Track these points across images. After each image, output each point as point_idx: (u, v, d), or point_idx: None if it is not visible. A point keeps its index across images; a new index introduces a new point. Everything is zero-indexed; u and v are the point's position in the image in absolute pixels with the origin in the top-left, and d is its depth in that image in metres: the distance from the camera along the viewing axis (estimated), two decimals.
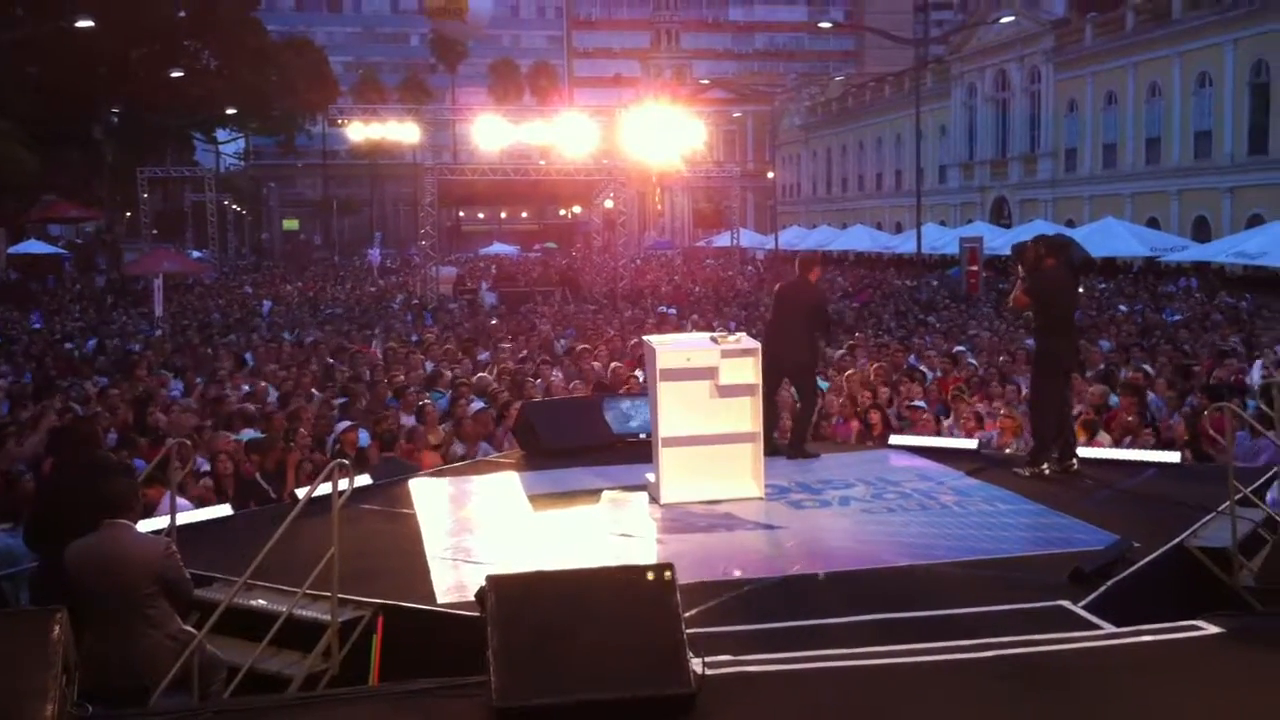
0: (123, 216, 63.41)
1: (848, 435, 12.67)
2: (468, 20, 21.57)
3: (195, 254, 58.78)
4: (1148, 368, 14.99)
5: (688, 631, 5.10)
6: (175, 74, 56.67)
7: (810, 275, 11.15)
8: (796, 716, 5.11)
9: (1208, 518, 7.79)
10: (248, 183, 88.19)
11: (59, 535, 5.93)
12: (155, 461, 7.91)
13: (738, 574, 7.19)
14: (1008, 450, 11.25)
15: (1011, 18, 52.72)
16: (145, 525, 6.79)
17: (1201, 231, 43.27)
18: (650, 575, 5.24)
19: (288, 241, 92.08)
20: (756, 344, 9.36)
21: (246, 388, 15.17)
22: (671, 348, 9.25)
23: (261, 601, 6.66)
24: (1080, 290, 12.42)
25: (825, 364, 14.70)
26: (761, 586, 6.98)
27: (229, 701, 5.70)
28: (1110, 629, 5.93)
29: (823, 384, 14.64)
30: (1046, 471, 9.61)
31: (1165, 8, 45.52)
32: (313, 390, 15.00)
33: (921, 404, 12.95)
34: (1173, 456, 10.09)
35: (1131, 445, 11.07)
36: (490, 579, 5.11)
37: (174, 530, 6.98)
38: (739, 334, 9.47)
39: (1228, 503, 7.10)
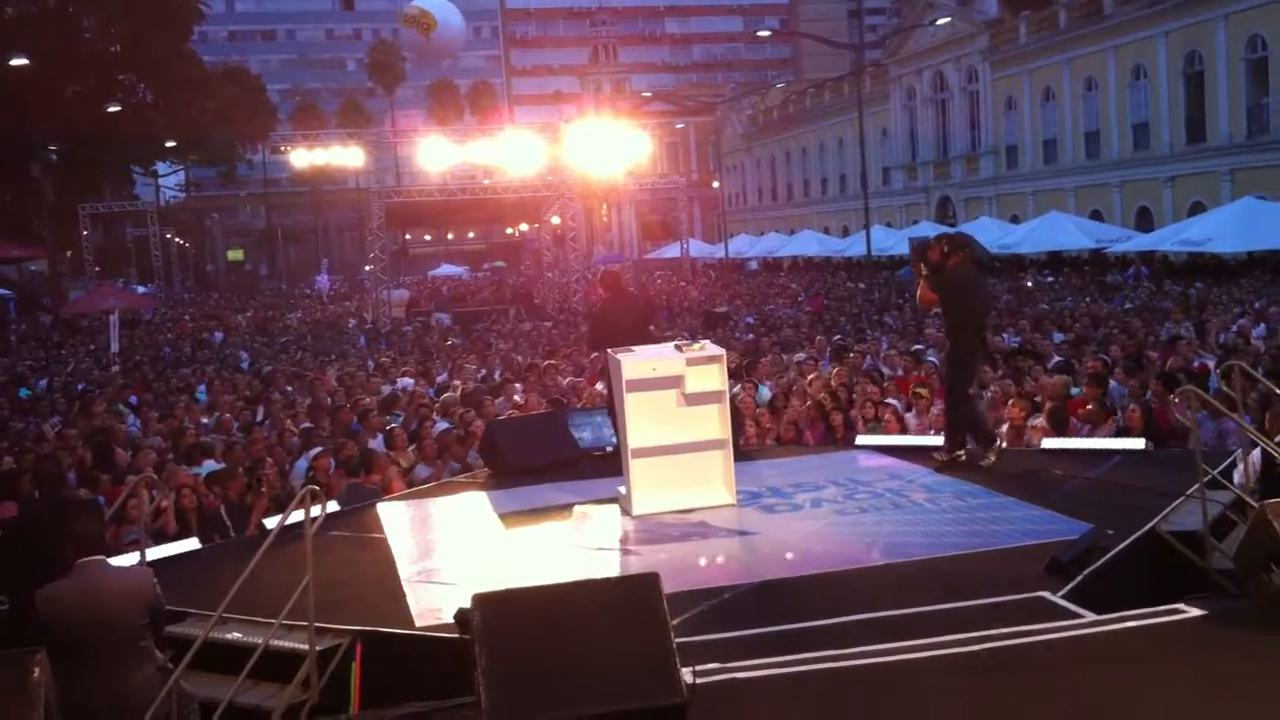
0: (65, 254, 62.64)
1: (813, 440, 12.68)
2: (431, 40, 21.22)
3: (140, 289, 58.15)
4: (1106, 357, 15.09)
5: (675, 641, 5.06)
6: (112, 108, 56.09)
7: (621, 285, 11.93)
8: None
9: (1177, 502, 7.83)
10: (190, 215, 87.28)
11: (28, 579, 5.80)
12: (121, 498, 7.78)
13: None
14: (970, 445, 11.29)
15: (946, 20, 53.24)
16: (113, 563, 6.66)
17: (1144, 221, 43.83)
18: (636, 585, 5.20)
19: (233, 272, 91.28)
20: (721, 351, 9.36)
21: (206, 420, 14.99)
22: (636, 358, 9.20)
23: (237, 634, 6.56)
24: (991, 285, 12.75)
25: None
26: (740, 593, 6.95)
27: None
28: (1092, 617, 5.94)
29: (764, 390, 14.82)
30: (963, 458, 9.90)
31: (1097, 3, 46.14)
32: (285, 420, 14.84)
33: (894, 401, 12.96)
34: (1137, 444, 10.16)
35: (1095, 434, 11.14)
36: (475, 598, 5.04)
37: (144, 565, 6.86)
38: (702, 341, 9.45)
39: (1196, 486, 7.15)
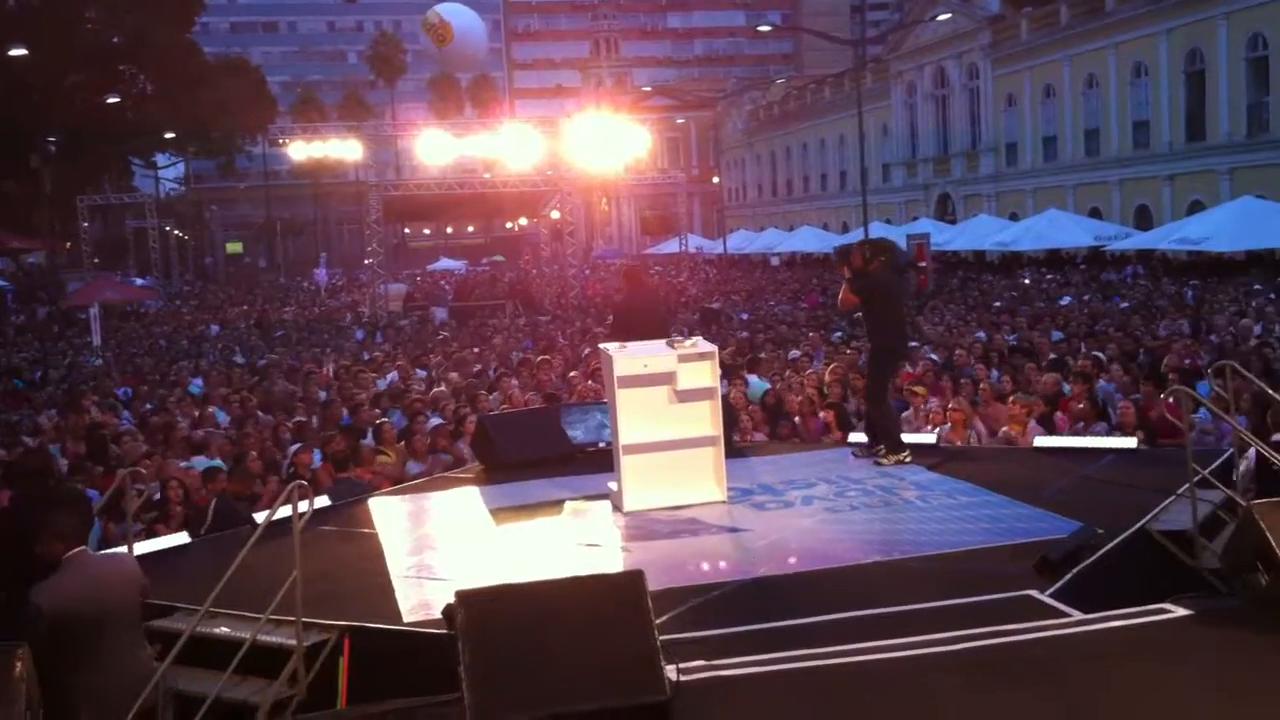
0: (64, 246, 62.59)
1: (808, 436, 12.67)
2: (443, 52, 20.58)
3: (139, 281, 58.12)
4: (1099, 355, 15.09)
5: (660, 638, 5.05)
6: (112, 99, 56.05)
7: (643, 279, 12.16)
8: (772, 719, 5.08)
9: (1168, 501, 7.80)
10: (189, 207, 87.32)
11: (20, 571, 5.78)
12: (110, 492, 7.76)
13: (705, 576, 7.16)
14: (959, 444, 11.31)
15: (948, 15, 53.17)
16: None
17: (1143, 220, 43.80)
18: (620, 583, 5.19)
19: (232, 265, 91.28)
20: (713, 347, 9.35)
21: (202, 412, 14.99)
22: (628, 354, 9.19)
23: (224, 629, 6.54)
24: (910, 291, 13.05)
25: None
26: (730, 590, 6.94)
27: None
28: (1079, 616, 5.94)
29: (763, 384, 14.81)
30: (908, 459, 9.95)
31: (1099, 1, 46.08)
32: (258, 413, 14.84)
33: None
34: (1129, 442, 10.16)
35: (1086, 432, 11.14)
36: (459, 594, 5.04)
37: (132, 558, 6.84)
38: (695, 338, 9.44)
39: (1187, 485, 7.13)
